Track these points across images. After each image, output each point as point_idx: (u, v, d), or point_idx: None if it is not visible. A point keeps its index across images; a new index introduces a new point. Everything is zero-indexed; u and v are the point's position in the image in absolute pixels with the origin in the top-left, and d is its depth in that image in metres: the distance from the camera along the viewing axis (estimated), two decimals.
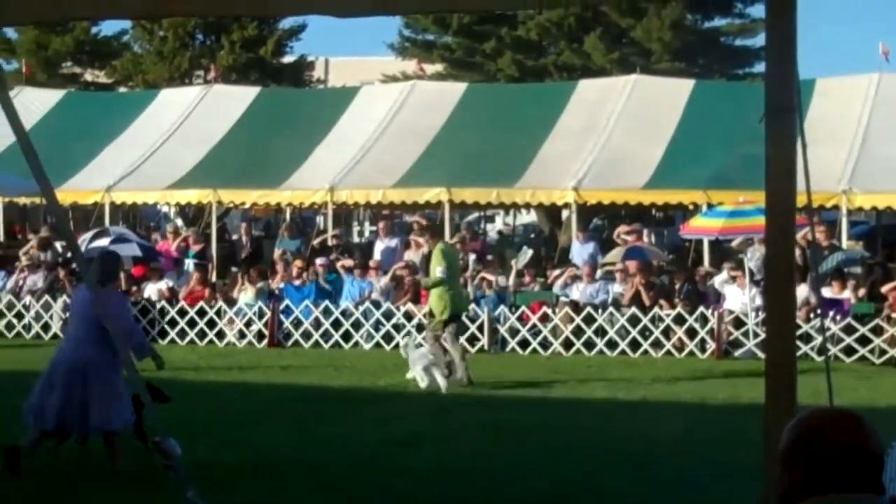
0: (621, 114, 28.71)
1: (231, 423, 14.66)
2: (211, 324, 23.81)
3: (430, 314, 19.39)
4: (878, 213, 30.50)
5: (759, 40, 50.82)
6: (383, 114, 30.34)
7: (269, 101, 33.21)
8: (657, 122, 28.20)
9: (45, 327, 24.57)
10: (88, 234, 25.71)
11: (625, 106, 29.00)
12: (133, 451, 11.58)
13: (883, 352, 21.33)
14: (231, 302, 24.22)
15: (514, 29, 49.79)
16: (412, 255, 25.75)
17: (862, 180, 25.03)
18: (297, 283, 24.56)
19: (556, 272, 24.93)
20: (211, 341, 23.61)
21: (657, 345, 22.30)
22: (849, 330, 21.42)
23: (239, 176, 28.48)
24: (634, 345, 22.36)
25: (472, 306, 22.98)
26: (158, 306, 24.03)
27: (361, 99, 31.87)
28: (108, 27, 55.76)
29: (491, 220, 47.14)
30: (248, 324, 23.69)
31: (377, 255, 26.20)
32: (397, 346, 21.63)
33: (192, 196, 29.18)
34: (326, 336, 23.50)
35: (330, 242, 27.79)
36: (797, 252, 18.15)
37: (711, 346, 22.08)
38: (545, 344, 22.65)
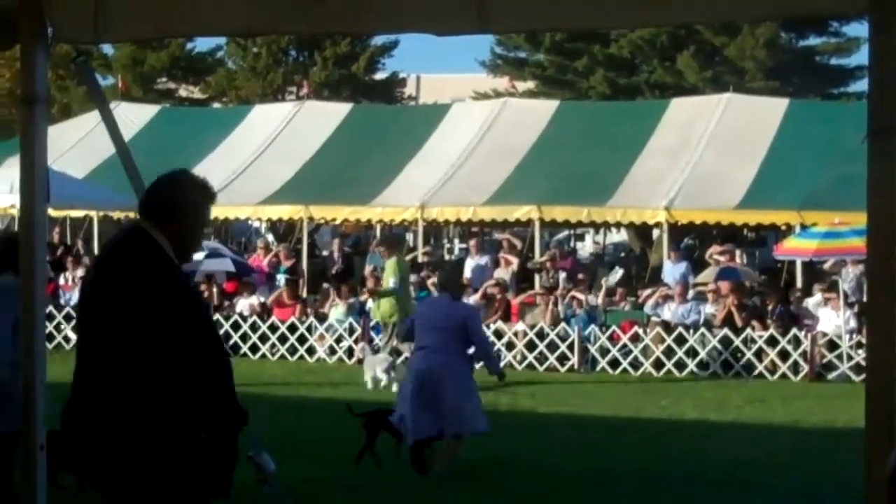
0: (714, 133, 28.52)
1: (321, 439, 14.68)
2: (302, 339, 23.88)
3: (380, 319, 21.78)
4: None
5: (855, 59, 50.37)
6: (474, 131, 30.38)
7: (361, 118, 33.38)
8: (750, 142, 27.96)
9: None
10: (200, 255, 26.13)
11: (717, 125, 28.80)
12: None
13: None
14: (322, 318, 24.29)
15: (607, 46, 49.68)
16: (502, 273, 25.71)
17: None
18: None
19: (648, 291, 24.76)
20: (301, 357, 23.70)
21: (749, 367, 22.07)
22: None
23: (330, 192, 28.62)
24: (726, 366, 22.16)
25: (562, 325, 22.91)
26: (250, 321, 24.16)
27: (453, 116, 31.93)
28: (203, 43, 56.44)
29: (581, 238, 47.01)
30: (339, 340, 23.74)
31: (467, 273, 26.17)
32: None
33: (283, 212, 29.41)
34: None
35: (420, 259, 27.84)
36: None
37: (804, 368, 21.81)
38: (635, 364, 22.49)
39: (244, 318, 24.29)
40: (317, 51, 52.99)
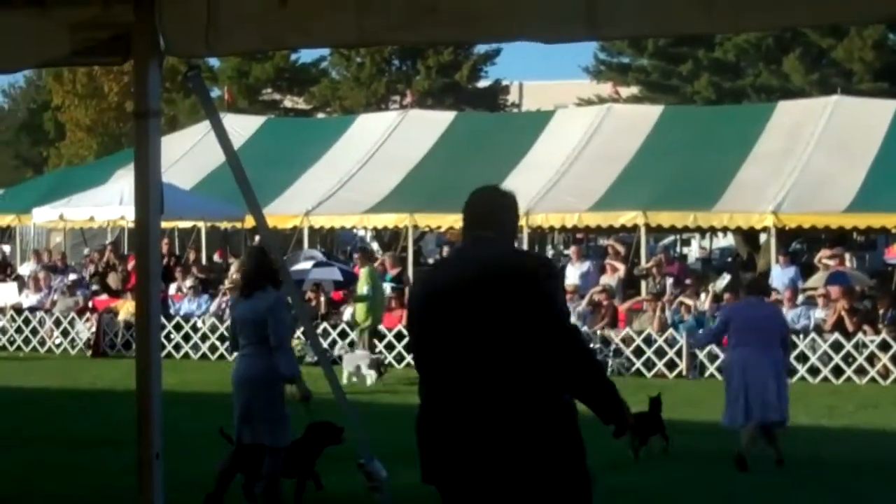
0: (821, 136, 28.19)
1: None
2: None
3: (356, 322, 23.73)
4: None
5: None
6: (578, 137, 30.32)
7: (465, 126, 33.45)
8: (859, 144, 27.61)
9: None
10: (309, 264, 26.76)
11: (825, 128, 28.46)
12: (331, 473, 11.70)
13: None
14: None
15: (711, 51, 49.35)
16: (608, 279, 25.61)
17: None
18: None
19: None
20: (409, 364, 23.73)
21: (861, 371, 21.77)
22: None
23: (435, 200, 28.67)
24: (837, 371, 21.87)
25: (670, 330, 22.77)
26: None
27: (556, 123, 31.90)
28: (307, 54, 56.91)
29: (687, 243, 46.69)
30: None
31: (573, 280, 26.02)
32: None
33: (388, 220, 29.56)
34: None
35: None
36: None
37: None
38: None
39: (351, 326, 24.42)
40: (420, 60, 53.23)
